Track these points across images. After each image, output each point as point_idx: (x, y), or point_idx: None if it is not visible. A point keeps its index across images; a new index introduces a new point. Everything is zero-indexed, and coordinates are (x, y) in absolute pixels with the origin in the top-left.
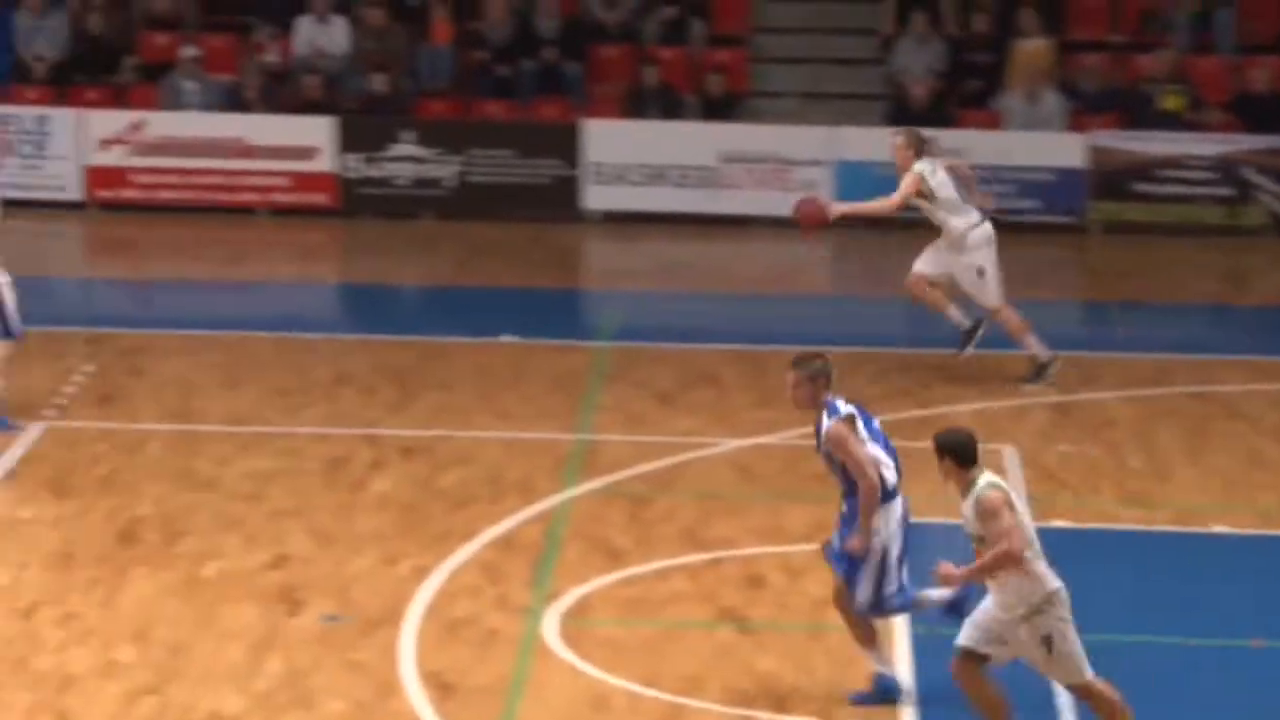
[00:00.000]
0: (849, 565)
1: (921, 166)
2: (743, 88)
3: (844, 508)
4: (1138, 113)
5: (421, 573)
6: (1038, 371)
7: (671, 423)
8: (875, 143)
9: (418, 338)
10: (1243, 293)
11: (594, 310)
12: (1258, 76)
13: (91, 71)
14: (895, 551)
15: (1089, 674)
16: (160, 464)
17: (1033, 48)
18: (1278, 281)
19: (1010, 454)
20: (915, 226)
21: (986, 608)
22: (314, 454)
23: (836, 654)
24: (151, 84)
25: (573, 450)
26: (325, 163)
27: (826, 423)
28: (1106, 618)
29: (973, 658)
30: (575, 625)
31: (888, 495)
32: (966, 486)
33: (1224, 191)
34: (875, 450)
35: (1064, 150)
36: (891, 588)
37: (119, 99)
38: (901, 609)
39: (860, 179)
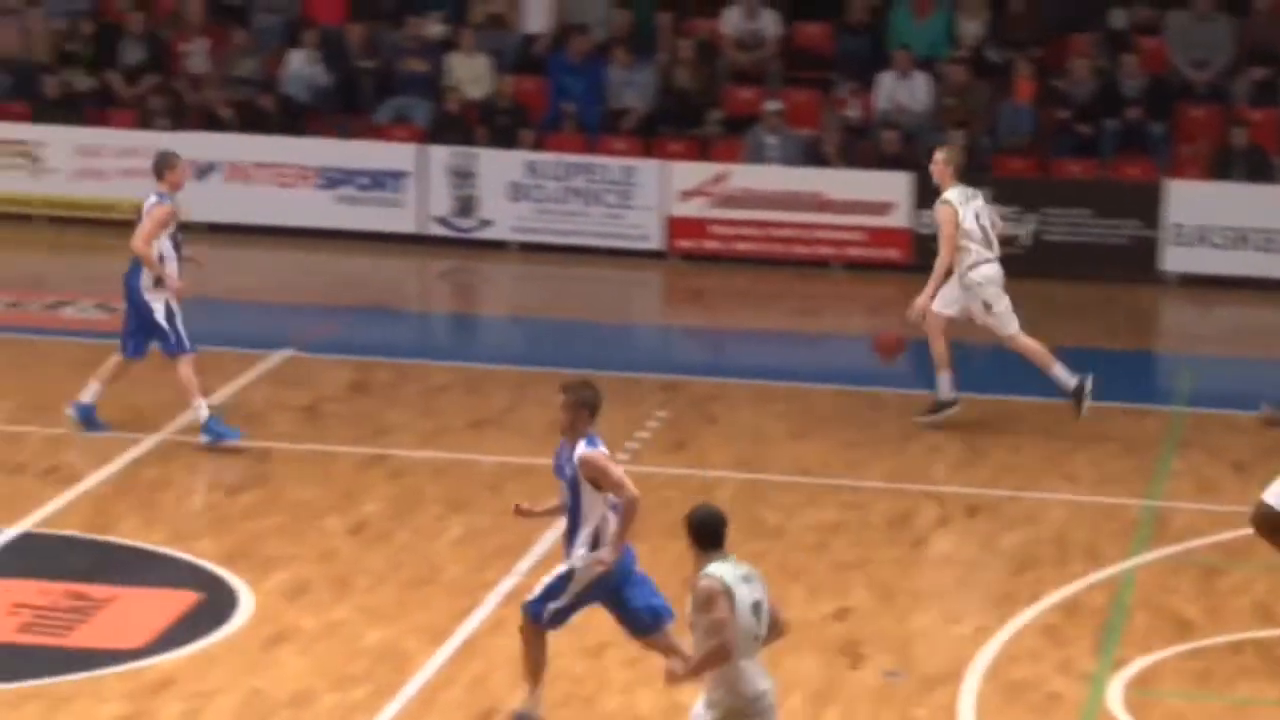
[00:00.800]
0: (557, 578)
1: (953, 194)
2: None
3: (570, 527)
4: None
5: (983, 633)
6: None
7: (1247, 492)
8: None
9: (987, 396)
10: None
11: (1168, 374)
12: None
13: (676, 124)
14: (582, 578)
15: None
16: (728, 511)
17: None
18: None
19: None
20: None
21: (697, 712)
22: (878, 508)
23: None
24: (734, 137)
25: (1142, 516)
26: (901, 218)
27: (583, 449)
28: None
29: None
30: (1140, 695)
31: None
32: (696, 570)
33: None
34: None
35: None
36: (556, 604)
37: (702, 151)
38: (551, 626)
39: None
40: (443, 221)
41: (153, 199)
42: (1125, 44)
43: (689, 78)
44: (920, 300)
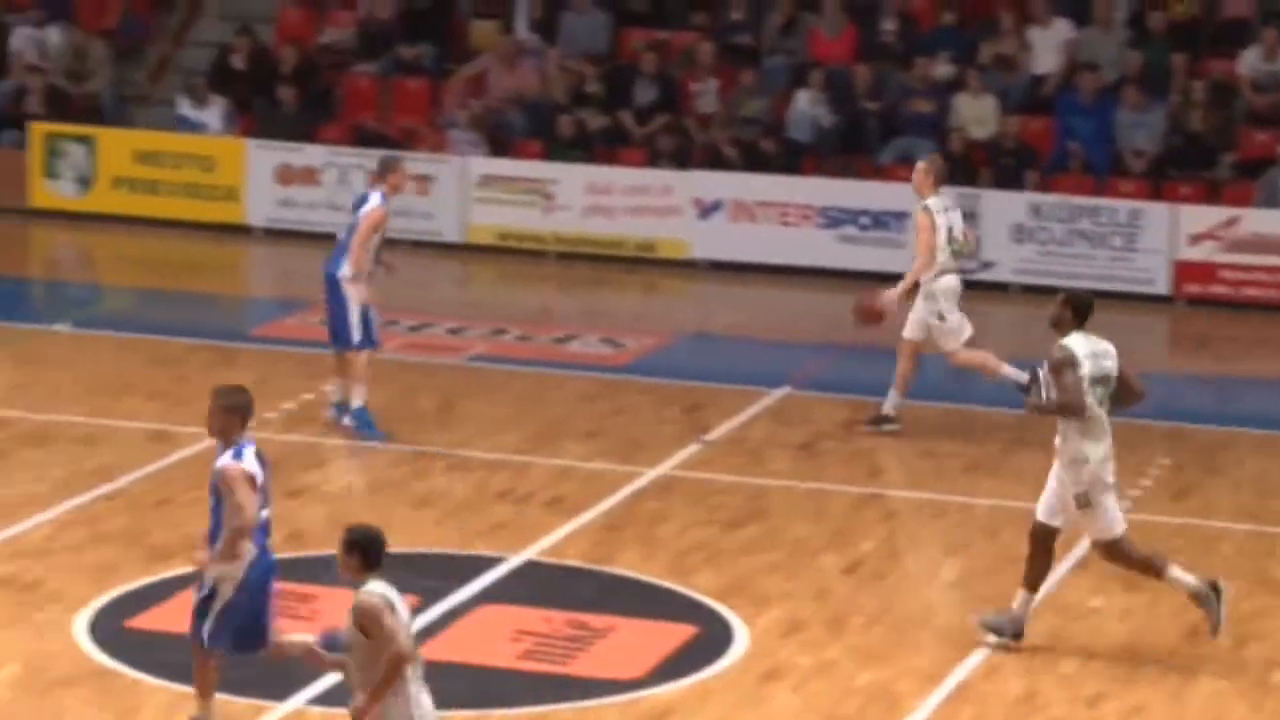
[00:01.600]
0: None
1: (933, 202)
2: None
3: (211, 531)
4: None
5: None
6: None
7: None
8: None
9: None
10: None
11: None
12: None
13: (1187, 167)
14: (228, 593)
15: None
16: (1232, 564)
17: None
18: None
19: None
20: None
21: None
22: None
23: None
24: (1247, 180)
25: None
26: None
27: (226, 459)
28: None
29: None
30: None
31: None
32: (356, 588)
33: None
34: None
35: None
36: (209, 625)
37: (1212, 195)
38: (215, 645)
39: None
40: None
41: (375, 201)
42: None
43: (1202, 120)
44: (889, 294)
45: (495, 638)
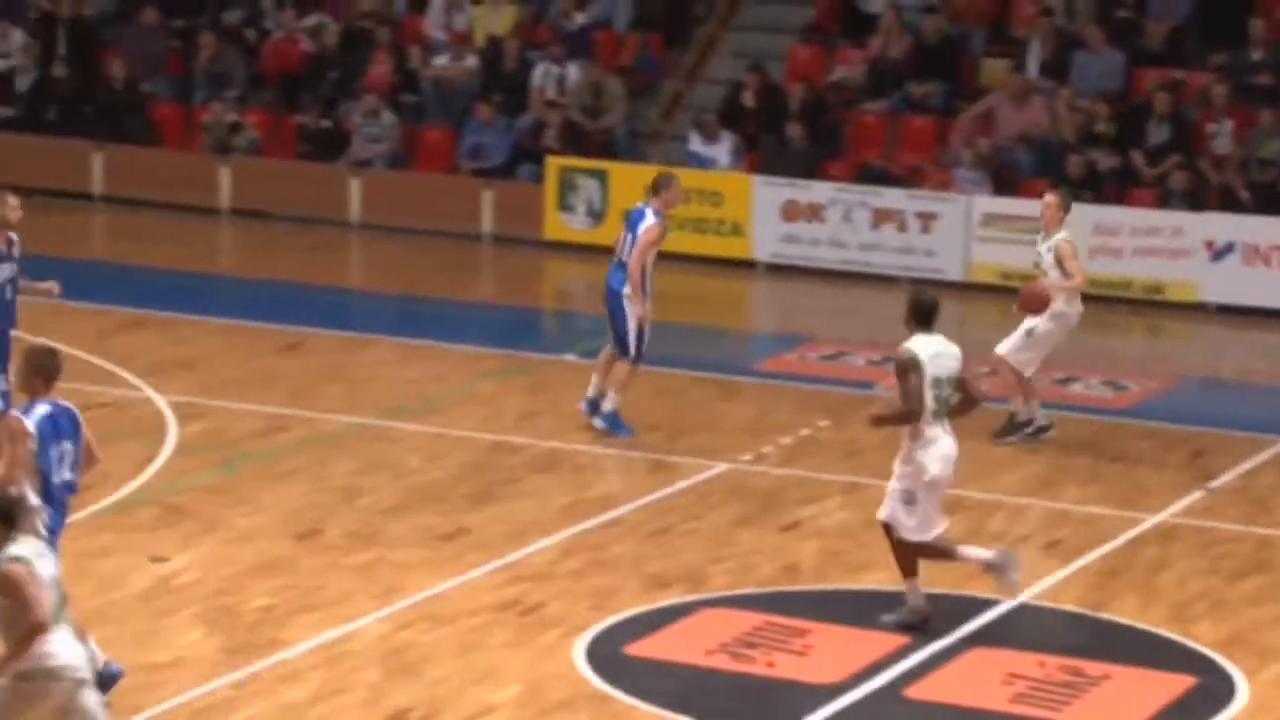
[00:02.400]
0: None
1: (1069, 234)
2: None
3: None
4: None
5: None
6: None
7: None
8: None
9: None
10: None
11: None
12: None
13: None
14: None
15: None
16: None
17: None
18: None
19: None
20: None
21: None
22: None
23: None
24: None
25: None
26: None
27: (12, 412)
28: None
29: None
30: None
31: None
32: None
33: None
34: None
35: None
36: None
37: None
38: None
39: None
40: None
41: (651, 218)
42: None
43: None
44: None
45: (987, 680)
